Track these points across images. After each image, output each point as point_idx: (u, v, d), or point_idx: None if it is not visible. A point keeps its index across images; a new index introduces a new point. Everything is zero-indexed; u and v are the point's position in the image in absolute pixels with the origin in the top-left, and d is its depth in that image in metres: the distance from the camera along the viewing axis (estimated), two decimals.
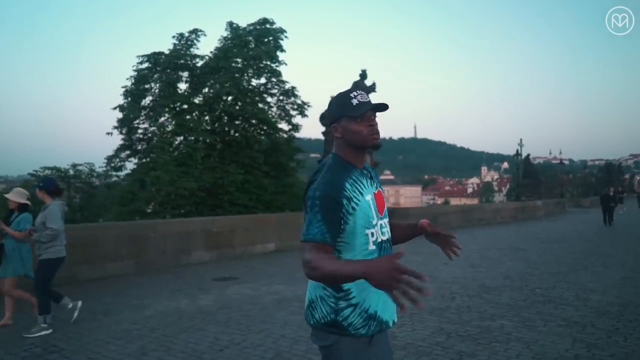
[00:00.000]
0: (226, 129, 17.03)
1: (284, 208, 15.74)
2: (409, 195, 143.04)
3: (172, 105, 16.78)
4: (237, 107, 16.75)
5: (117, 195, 15.06)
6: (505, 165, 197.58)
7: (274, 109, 18.47)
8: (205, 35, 17.75)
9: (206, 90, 17.29)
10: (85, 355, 4.33)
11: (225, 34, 18.07)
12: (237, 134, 17.23)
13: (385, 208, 1.95)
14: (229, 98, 17.05)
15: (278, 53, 17.76)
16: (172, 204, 14.28)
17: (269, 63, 17.61)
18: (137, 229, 9.43)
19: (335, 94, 1.93)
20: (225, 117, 17.30)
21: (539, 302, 6.17)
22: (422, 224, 2.14)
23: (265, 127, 17.48)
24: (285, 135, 18.26)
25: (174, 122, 16.13)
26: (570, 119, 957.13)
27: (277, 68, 17.91)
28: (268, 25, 18.04)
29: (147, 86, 17.20)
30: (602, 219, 20.05)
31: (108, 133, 17.30)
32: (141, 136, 17.51)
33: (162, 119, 16.92)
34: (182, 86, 17.63)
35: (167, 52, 17.21)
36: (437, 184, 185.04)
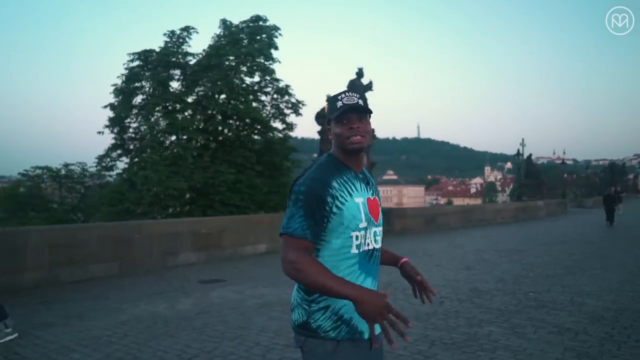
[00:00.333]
0: (219, 128, 16.80)
1: (278, 208, 15.52)
2: (412, 196, 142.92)
3: (164, 104, 16.55)
4: (230, 106, 16.53)
5: (107, 196, 14.86)
6: (509, 165, 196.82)
7: (268, 108, 18.23)
8: (197, 32, 17.55)
9: (199, 88, 17.06)
10: None
11: (219, 31, 17.83)
12: (230, 134, 16.99)
13: (381, 216, 1.89)
14: (222, 96, 16.82)
15: (272, 51, 17.50)
16: (161, 204, 14.05)
17: (262, 61, 17.34)
18: (121, 230, 9.20)
19: (333, 93, 1.95)
20: (219, 116, 17.07)
21: (531, 306, 5.91)
22: (403, 263, 2.05)
23: (259, 127, 17.24)
24: (280, 135, 18.02)
25: (166, 121, 15.92)
26: (575, 120, 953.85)
27: (271, 66, 17.67)
28: (261, 23, 17.76)
29: (138, 85, 16.95)
30: (604, 219, 19.86)
31: (99, 132, 17.12)
32: (133, 135, 17.30)
33: (154, 118, 16.71)
34: (175, 84, 17.42)
35: (158, 50, 16.92)
36: (440, 184, 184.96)
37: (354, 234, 1.74)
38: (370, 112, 1.82)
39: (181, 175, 14.39)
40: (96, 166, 17.12)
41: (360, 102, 1.79)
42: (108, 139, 17.32)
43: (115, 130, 17.02)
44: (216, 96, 16.79)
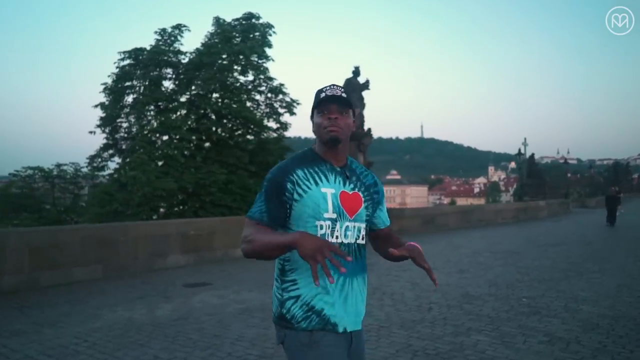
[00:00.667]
0: (213, 128, 16.55)
1: None
2: (416, 195, 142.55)
3: (155, 103, 16.30)
4: (223, 105, 16.27)
5: (97, 196, 14.66)
6: (512, 165, 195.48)
7: (262, 107, 17.96)
8: (189, 30, 17.21)
9: (192, 88, 16.82)
10: None
11: (212, 29, 17.54)
12: (223, 133, 16.74)
13: (358, 213, 1.87)
14: (215, 95, 16.57)
15: (265, 49, 17.22)
16: (149, 205, 13.82)
17: (255, 59, 17.08)
18: (106, 231, 8.96)
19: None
20: (212, 115, 16.82)
21: (523, 313, 5.66)
22: (409, 247, 1.96)
23: (252, 126, 16.99)
24: (274, 134, 17.77)
25: (158, 121, 15.69)
26: (579, 119, 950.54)
27: (265, 64, 17.40)
28: (254, 20, 17.43)
29: (129, 84, 16.69)
30: (605, 219, 19.70)
31: (91, 132, 16.86)
32: (125, 135, 17.07)
33: (145, 117, 16.47)
34: (167, 84, 17.16)
35: (149, 48, 16.64)
36: (444, 184, 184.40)
37: (318, 223, 1.77)
38: (351, 106, 1.85)
39: (171, 176, 14.16)
40: (87, 166, 16.95)
41: (344, 95, 1.82)
42: (100, 138, 17.16)
43: (106, 130, 16.77)
44: (209, 95, 16.54)
